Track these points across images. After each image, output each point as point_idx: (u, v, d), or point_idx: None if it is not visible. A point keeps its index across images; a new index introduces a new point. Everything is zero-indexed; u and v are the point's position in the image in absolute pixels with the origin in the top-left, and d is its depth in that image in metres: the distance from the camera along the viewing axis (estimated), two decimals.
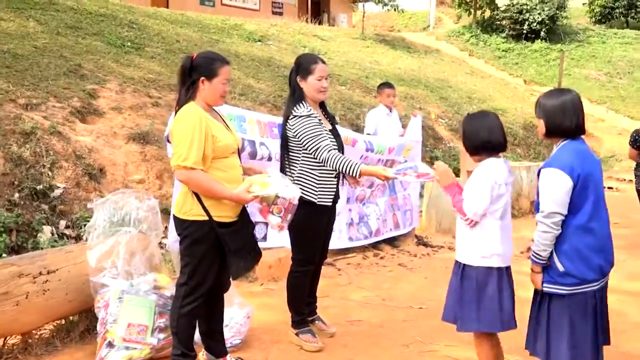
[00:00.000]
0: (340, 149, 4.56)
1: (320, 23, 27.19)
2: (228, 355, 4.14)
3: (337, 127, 4.84)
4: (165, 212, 6.81)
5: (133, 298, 4.26)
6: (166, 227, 6.49)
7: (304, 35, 20.46)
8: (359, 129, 9.78)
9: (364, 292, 6.04)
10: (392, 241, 7.75)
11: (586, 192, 3.23)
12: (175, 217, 3.84)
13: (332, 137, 4.41)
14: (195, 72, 3.73)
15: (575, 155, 3.26)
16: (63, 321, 4.54)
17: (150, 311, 4.26)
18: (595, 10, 33.53)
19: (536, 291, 3.45)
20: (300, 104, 4.40)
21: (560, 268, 3.25)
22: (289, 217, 3.83)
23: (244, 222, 3.89)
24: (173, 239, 4.90)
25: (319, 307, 4.99)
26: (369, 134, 7.68)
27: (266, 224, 5.97)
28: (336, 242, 6.80)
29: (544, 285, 3.33)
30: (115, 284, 4.29)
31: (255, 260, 4.04)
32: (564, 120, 3.32)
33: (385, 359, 4.50)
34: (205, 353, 4.12)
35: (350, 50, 20.58)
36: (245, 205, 3.89)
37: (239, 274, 3.98)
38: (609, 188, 12.69)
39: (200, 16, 18.09)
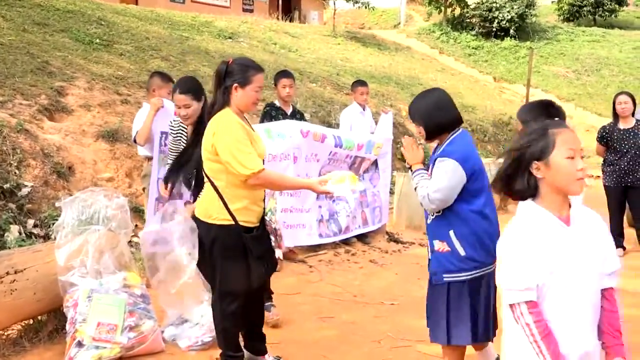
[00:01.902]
0: None
1: (291, 20, 27.16)
2: (267, 355, 4.17)
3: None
4: (135, 210, 6.77)
5: (103, 297, 4.22)
6: (137, 226, 6.46)
7: (274, 33, 20.42)
8: (330, 126, 9.79)
9: (336, 288, 6.05)
10: (363, 238, 7.77)
11: (480, 180, 3.43)
12: (200, 221, 3.80)
13: None
14: (229, 78, 3.70)
15: (470, 147, 3.48)
16: (31, 321, 4.49)
17: (120, 310, 4.23)
18: (563, 9, 34.03)
19: (430, 284, 3.59)
20: None
21: (462, 253, 3.40)
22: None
23: (264, 229, 3.89)
24: (150, 242, 4.84)
25: (289, 303, 5.04)
26: None
27: None
28: (306, 238, 6.83)
29: (444, 277, 3.46)
30: (84, 282, 4.25)
31: (274, 269, 4.06)
32: (442, 117, 3.49)
33: (356, 355, 4.51)
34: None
35: (321, 48, 20.60)
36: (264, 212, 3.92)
37: (259, 281, 3.94)
38: None
39: (170, 13, 17.94)
